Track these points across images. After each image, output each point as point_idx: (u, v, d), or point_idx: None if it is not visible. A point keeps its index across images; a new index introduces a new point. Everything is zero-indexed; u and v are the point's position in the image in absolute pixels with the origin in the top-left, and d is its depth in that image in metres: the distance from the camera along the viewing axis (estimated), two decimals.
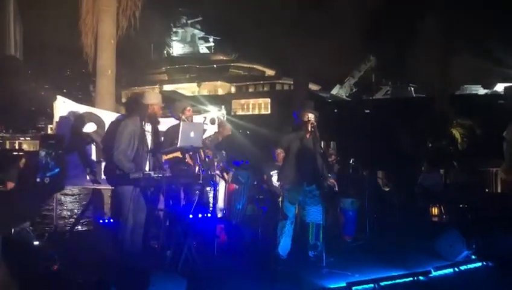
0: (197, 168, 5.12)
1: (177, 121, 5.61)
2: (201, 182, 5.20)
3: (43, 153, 5.72)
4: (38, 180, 5.67)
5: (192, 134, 4.75)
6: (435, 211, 10.02)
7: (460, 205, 9.56)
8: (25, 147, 70.55)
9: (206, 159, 5.60)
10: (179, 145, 4.66)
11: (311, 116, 5.51)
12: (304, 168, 5.50)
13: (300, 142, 5.52)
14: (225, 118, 8.06)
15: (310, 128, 5.42)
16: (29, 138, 71.64)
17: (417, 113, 20.95)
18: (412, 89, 49.90)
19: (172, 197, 4.91)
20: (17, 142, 75.58)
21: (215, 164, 5.75)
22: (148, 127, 4.94)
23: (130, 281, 3.79)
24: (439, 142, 16.94)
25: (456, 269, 5.60)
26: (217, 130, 7.11)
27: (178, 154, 5.02)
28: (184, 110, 5.58)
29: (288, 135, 5.63)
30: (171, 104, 5.85)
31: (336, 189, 6.01)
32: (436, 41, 20.24)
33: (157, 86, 63.48)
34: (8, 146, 73.68)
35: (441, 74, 19.25)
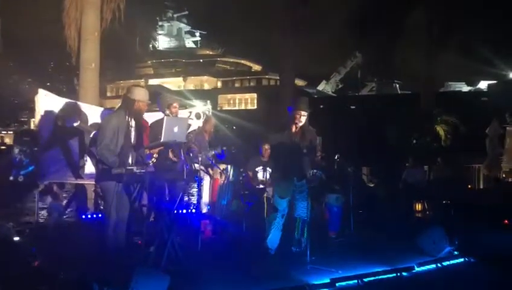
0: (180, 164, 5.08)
1: (161, 116, 5.55)
2: (185, 177, 5.15)
3: (16, 151, 5.59)
4: (11, 178, 5.53)
5: (176, 129, 4.68)
6: (418, 207, 10.10)
7: (444, 201, 9.68)
8: (7, 141, 69.58)
9: (191, 154, 5.55)
10: (162, 140, 4.59)
11: (303, 114, 5.50)
12: (292, 164, 5.52)
13: (289, 140, 5.53)
14: (210, 113, 8.01)
15: (295, 129, 5.46)
16: (11, 132, 70.61)
17: (402, 109, 21.11)
18: (397, 85, 50.33)
19: (156, 193, 4.84)
20: None
21: (199, 159, 5.69)
22: (132, 123, 4.85)
23: (112, 278, 3.73)
24: (423, 139, 17.10)
25: (439, 265, 5.64)
26: (201, 125, 7.06)
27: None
28: (170, 105, 5.53)
29: (276, 134, 5.63)
30: (159, 96, 5.79)
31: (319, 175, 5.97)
32: (421, 38, 20.40)
33: (142, 80, 62.92)
34: None
35: (426, 71, 19.42)
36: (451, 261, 5.83)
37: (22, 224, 6.77)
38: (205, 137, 6.90)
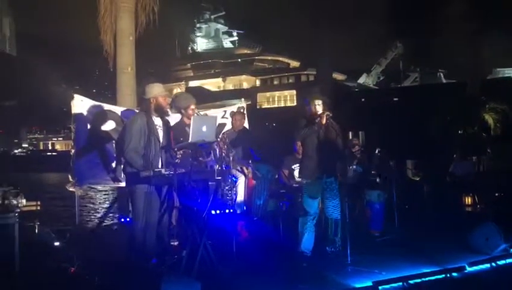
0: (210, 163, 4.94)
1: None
2: (218, 178, 4.99)
3: None
4: None
5: (204, 128, 4.52)
6: (468, 200, 9.53)
7: (496, 194, 9.09)
8: (57, 147, 72.71)
9: (223, 154, 5.38)
10: (190, 140, 4.44)
11: (318, 104, 5.32)
12: (322, 160, 5.29)
13: (316, 135, 5.29)
14: (244, 110, 7.84)
15: (324, 121, 5.21)
16: (61, 138, 73.70)
17: (447, 99, 20.26)
18: (442, 74, 48.68)
19: (187, 195, 4.71)
20: (50, 142, 77.92)
21: (231, 158, 5.51)
22: (158, 122, 4.75)
23: (141, 285, 3.62)
24: (471, 129, 16.32)
25: (493, 265, 5.19)
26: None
27: None
28: (187, 108, 5.31)
29: (303, 130, 5.38)
30: (174, 97, 5.61)
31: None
32: (465, 24, 19.53)
33: (183, 82, 64.02)
34: (41, 147, 76.11)
35: (472, 58, 18.57)
36: (507, 260, 5.36)
37: (62, 228, 6.86)
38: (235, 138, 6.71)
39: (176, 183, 4.26)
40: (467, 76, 19.56)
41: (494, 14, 18.80)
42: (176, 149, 4.56)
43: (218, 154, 5.20)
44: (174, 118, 5.40)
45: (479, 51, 18.61)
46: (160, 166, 4.58)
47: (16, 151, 68.05)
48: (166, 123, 4.84)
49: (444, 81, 45.88)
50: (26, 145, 75.64)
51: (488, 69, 35.16)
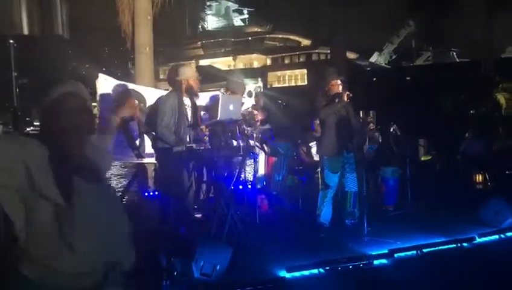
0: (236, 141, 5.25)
1: (216, 96, 5.72)
2: (241, 153, 5.30)
3: None
4: None
5: (231, 107, 4.82)
6: (479, 178, 9.75)
7: (507, 172, 9.30)
8: None
9: (245, 132, 5.67)
10: (219, 118, 4.74)
11: (337, 83, 5.60)
12: (342, 137, 5.56)
13: (336, 113, 5.55)
14: (261, 90, 8.09)
15: (346, 98, 5.46)
16: None
17: (460, 78, 20.22)
18: (454, 53, 48.11)
19: (215, 169, 5.03)
20: None
21: (254, 135, 5.81)
22: (187, 102, 5.04)
23: (178, 250, 3.95)
24: (482, 108, 16.38)
25: (502, 236, 5.49)
26: (254, 103, 7.17)
27: None
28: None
29: (325, 109, 5.61)
30: (235, 84, 5.93)
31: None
32: (478, 1, 19.36)
33: (193, 61, 63.81)
34: None
35: (485, 36, 18.46)
36: None
37: None
38: (257, 115, 6.99)
39: (206, 158, 4.58)
40: (480, 55, 19.46)
41: None
42: (205, 126, 4.86)
43: (242, 132, 5.49)
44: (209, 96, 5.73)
45: (493, 29, 18.47)
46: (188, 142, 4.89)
47: (27, 129, 68.75)
48: (194, 103, 5.13)
49: (457, 60, 45.39)
50: (38, 124, 76.28)
51: (502, 48, 34.75)
